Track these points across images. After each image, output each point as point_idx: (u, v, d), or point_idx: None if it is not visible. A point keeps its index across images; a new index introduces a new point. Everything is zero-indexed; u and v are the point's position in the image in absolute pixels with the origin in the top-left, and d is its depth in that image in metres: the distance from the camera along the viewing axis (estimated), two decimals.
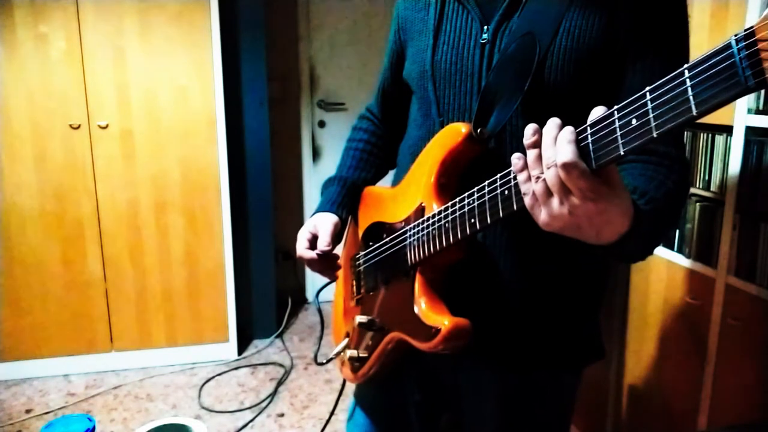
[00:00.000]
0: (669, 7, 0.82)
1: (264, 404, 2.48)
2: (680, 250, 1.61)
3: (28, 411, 2.41)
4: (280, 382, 2.66)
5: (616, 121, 0.59)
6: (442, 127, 0.91)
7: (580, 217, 0.64)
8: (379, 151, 1.19)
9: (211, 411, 2.43)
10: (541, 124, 0.65)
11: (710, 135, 1.50)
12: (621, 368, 1.88)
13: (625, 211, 0.65)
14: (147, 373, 2.72)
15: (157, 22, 2.52)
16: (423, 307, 0.84)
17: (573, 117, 0.67)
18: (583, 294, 0.94)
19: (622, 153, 0.59)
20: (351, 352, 1.03)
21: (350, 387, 1.19)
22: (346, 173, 1.16)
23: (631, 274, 1.81)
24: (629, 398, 1.85)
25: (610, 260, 0.85)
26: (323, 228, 1.04)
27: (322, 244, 1.02)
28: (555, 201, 0.64)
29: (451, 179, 0.89)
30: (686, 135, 1.57)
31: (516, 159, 0.67)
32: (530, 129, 0.65)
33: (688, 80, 0.53)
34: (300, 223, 3.51)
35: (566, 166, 0.60)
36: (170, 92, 2.58)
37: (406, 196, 0.96)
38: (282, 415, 2.41)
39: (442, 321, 0.80)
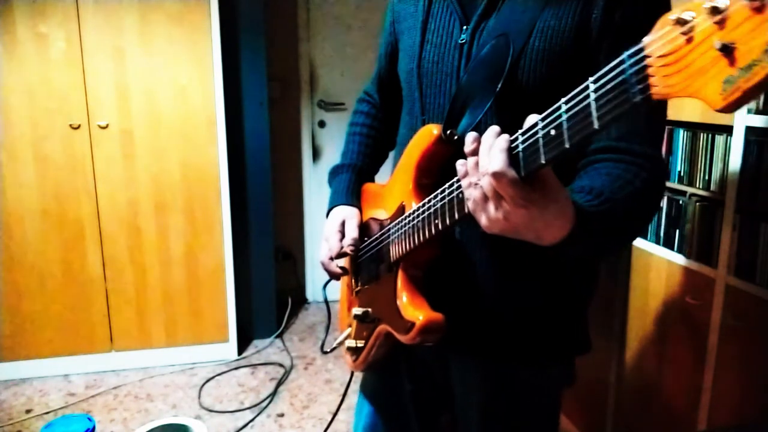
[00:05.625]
0: (646, 4, 0.78)
1: (264, 404, 2.48)
2: (680, 250, 1.61)
3: (28, 411, 2.41)
4: (280, 382, 2.66)
5: (540, 130, 0.60)
6: (423, 125, 0.93)
7: (514, 222, 0.65)
8: (379, 135, 1.21)
9: (211, 411, 2.43)
10: (516, 124, 0.65)
11: (710, 135, 1.50)
12: (621, 368, 1.88)
13: (562, 215, 0.66)
14: (147, 373, 2.72)
15: (157, 22, 2.52)
16: (404, 301, 0.88)
17: None
18: (565, 287, 0.93)
19: (543, 162, 0.59)
20: (350, 342, 1.07)
21: (353, 386, 1.21)
22: (355, 160, 1.18)
23: (631, 274, 1.81)
24: (629, 398, 1.85)
25: (571, 259, 0.86)
26: (351, 224, 1.08)
27: (352, 240, 1.05)
28: (491, 207, 0.66)
29: (430, 179, 0.91)
30: (686, 135, 1.58)
31: (459, 165, 0.69)
32: (470, 137, 0.67)
33: (591, 93, 0.54)
34: (300, 223, 3.52)
35: (495, 175, 0.62)
36: (170, 92, 2.58)
37: (391, 194, 0.99)
38: (282, 415, 2.41)
39: (417, 316, 0.84)
